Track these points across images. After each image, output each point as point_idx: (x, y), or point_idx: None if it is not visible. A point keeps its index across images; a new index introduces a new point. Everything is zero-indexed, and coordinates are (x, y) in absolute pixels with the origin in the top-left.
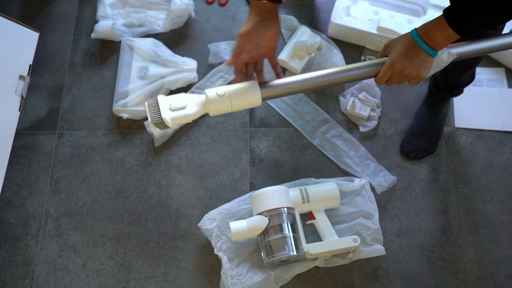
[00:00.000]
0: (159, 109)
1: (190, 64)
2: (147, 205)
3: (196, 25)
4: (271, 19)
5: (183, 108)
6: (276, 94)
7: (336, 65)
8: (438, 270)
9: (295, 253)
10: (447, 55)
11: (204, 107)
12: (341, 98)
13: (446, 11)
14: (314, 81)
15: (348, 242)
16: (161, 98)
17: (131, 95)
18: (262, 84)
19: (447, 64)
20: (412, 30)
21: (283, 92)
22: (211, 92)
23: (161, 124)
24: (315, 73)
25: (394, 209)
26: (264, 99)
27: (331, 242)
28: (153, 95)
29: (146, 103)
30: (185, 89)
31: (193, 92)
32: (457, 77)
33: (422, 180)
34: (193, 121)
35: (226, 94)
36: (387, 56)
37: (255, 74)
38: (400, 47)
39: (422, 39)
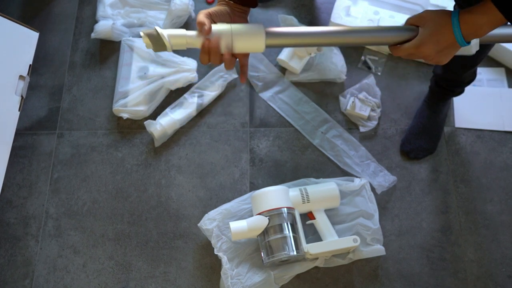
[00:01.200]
0: (157, 31)
1: (190, 64)
2: (147, 205)
3: (196, 25)
4: (235, 11)
5: (181, 32)
6: (282, 43)
7: (336, 65)
8: (438, 270)
9: (295, 253)
10: (474, 45)
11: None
12: (341, 98)
13: None
14: (328, 36)
15: (348, 242)
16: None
17: (131, 95)
18: (270, 29)
19: (471, 53)
20: (453, 16)
21: (289, 42)
22: (215, 26)
23: (156, 38)
24: (332, 28)
25: (394, 209)
26: (268, 46)
27: (331, 242)
28: (153, 95)
29: (141, 32)
30: (185, 89)
31: (193, 93)
32: (458, 75)
33: (422, 180)
34: (193, 121)
35: (228, 30)
36: (415, 26)
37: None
38: (433, 28)
39: (460, 29)
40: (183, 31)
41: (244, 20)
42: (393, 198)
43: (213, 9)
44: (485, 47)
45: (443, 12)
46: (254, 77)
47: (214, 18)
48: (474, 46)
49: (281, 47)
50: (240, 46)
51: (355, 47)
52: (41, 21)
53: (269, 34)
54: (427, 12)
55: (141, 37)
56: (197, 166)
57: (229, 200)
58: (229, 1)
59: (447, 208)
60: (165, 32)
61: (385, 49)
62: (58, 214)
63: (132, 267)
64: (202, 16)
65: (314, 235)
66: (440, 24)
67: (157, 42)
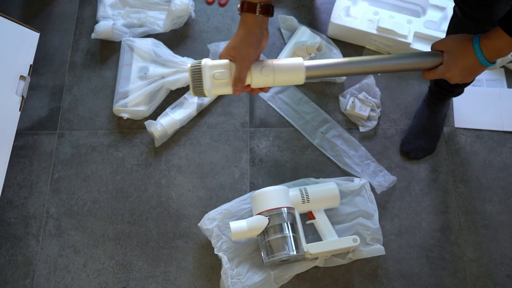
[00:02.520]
0: (201, 77)
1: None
2: (148, 205)
3: (196, 25)
4: (263, 35)
5: (226, 80)
6: (321, 74)
7: None
8: (437, 269)
9: (295, 253)
10: (500, 61)
11: (247, 80)
12: (341, 98)
13: (502, 21)
14: (362, 65)
15: (348, 242)
16: (206, 64)
17: (131, 95)
18: (308, 62)
19: (496, 67)
20: (475, 40)
21: (327, 73)
22: (256, 67)
23: (201, 93)
24: (364, 57)
25: (394, 209)
26: (308, 78)
27: (331, 242)
28: (153, 95)
29: (189, 66)
30: (185, 89)
31: None
32: None
33: (421, 180)
34: (193, 121)
35: (271, 72)
36: (440, 51)
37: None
38: (458, 54)
39: (483, 53)
40: (226, 84)
41: (267, 34)
42: (393, 198)
43: (243, 57)
44: None
45: (465, 38)
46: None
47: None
48: (499, 62)
49: (318, 78)
50: (281, 82)
51: (355, 48)
52: (41, 21)
53: (308, 68)
54: (449, 38)
55: (142, 37)
56: (197, 166)
57: (229, 200)
58: (259, 15)
59: (446, 208)
60: (209, 87)
61: (385, 49)
62: (58, 214)
63: (133, 267)
64: (238, 78)
65: (314, 235)
66: (463, 51)
67: (201, 95)
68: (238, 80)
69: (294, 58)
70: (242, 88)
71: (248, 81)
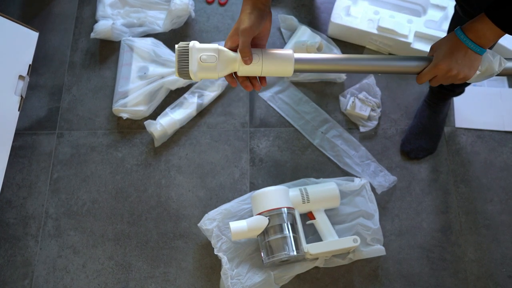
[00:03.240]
0: (188, 58)
1: None
2: (147, 205)
3: (196, 25)
4: (266, 12)
5: (213, 64)
6: (309, 68)
7: None
8: (438, 270)
9: (295, 253)
10: (498, 63)
11: (234, 66)
12: (341, 98)
13: (488, 9)
14: (352, 63)
15: (348, 242)
16: (194, 46)
17: (131, 95)
18: (298, 55)
19: (497, 73)
20: (456, 29)
21: (317, 67)
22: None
23: (186, 75)
24: (355, 56)
25: (394, 209)
26: (296, 71)
27: (331, 242)
28: (153, 95)
29: (176, 46)
30: (185, 89)
31: (193, 93)
32: None
33: (422, 180)
34: (193, 121)
35: (259, 59)
36: (430, 56)
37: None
38: (445, 47)
39: (468, 37)
40: (213, 69)
41: (271, 12)
42: (393, 198)
43: (251, 28)
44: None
45: (450, 34)
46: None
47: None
48: (498, 66)
49: (307, 72)
50: (269, 72)
51: (355, 48)
52: (41, 21)
53: (297, 60)
54: (435, 43)
55: (142, 37)
56: (197, 166)
57: (229, 200)
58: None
59: (447, 208)
60: (195, 70)
61: (386, 49)
62: (57, 214)
63: (132, 267)
64: (245, 48)
65: (314, 235)
66: (449, 40)
67: (186, 78)
68: (243, 50)
69: (285, 49)
70: (250, 57)
71: (235, 68)
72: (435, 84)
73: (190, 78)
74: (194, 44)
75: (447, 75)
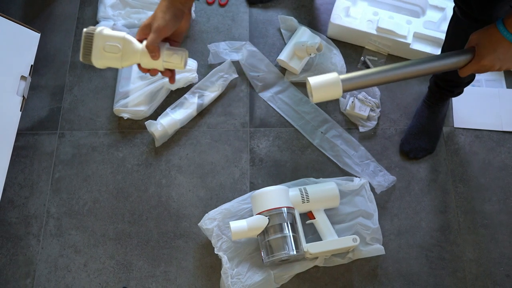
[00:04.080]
0: (91, 45)
1: (190, 64)
2: (148, 204)
3: (196, 26)
4: (184, 12)
5: (116, 54)
6: (357, 86)
7: (335, 65)
8: (437, 269)
9: (295, 252)
10: None
11: (137, 58)
12: (340, 98)
13: None
14: (397, 72)
15: (348, 241)
16: (99, 32)
17: (132, 95)
18: (343, 76)
19: None
20: (498, 23)
21: (363, 84)
22: (162, 49)
23: (88, 61)
24: (397, 64)
25: (394, 208)
26: (345, 91)
27: (331, 241)
28: (153, 95)
29: (84, 31)
30: (186, 89)
31: (193, 93)
32: (458, 76)
33: (421, 179)
34: (194, 121)
35: (161, 53)
36: (471, 48)
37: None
38: (487, 42)
39: (509, 32)
40: (115, 59)
41: (189, 14)
42: (393, 198)
43: (164, 27)
44: None
45: (489, 27)
46: (254, 77)
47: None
48: None
49: (356, 89)
50: (320, 98)
51: (355, 49)
52: (42, 22)
53: (344, 81)
54: (473, 34)
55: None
56: (198, 166)
57: (229, 200)
58: None
59: (446, 208)
60: (97, 57)
61: (385, 50)
62: (59, 214)
63: (133, 267)
64: (153, 45)
65: (314, 234)
66: (490, 35)
67: (88, 62)
68: (150, 47)
69: (330, 74)
70: (157, 54)
71: (138, 60)
72: (476, 73)
73: (92, 64)
74: (101, 30)
75: (490, 70)
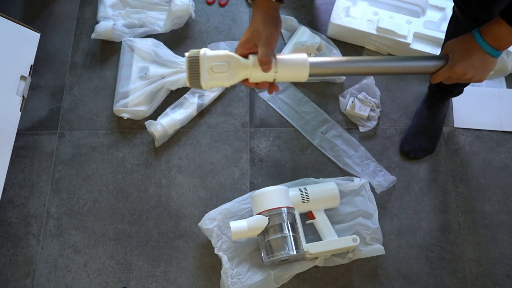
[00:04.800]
0: (198, 67)
1: None
2: (148, 204)
3: (196, 26)
4: (279, 19)
5: (224, 74)
6: (324, 72)
7: None
8: (437, 269)
9: (294, 252)
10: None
11: (245, 73)
12: (340, 98)
13: (502, 12)
14: (366, 65)
15: (348, 241)
16: (204, 54)
17: (132, 96)
18: (312, 58)
19: (510, 72)
20: (474, 32)
21: (331, 71)
22: (256, 60)
23: (197, 85)
24: (369, 57)
25: (394, 208)
26: (311, 75)
27: (331, 241)
28: (153, 95)
29: (186, 55)
30: (186, 89)
31: (193, 93)
32: None
33: (421, 179)
34: (194, 121)
35: (274, 65)
36: (445, 55)
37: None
38: (462, 49)
39: (485, 41)
40: (223, 78)
41: (280, 19)
42: (393, 198)
43: (273, 39)
44: None
45: (465, 36)
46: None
47: (273, 44)
48: (509, 63)
49: (321, 76)
50: (284, 77)
51: (355, 48)
52: (42, 22)
53: (312, 64)
54: (449, 42)
55: (142, 37)
56: (197, 166)
57: (229, 200)
58: (273, 0)
59: (446, 208)
60: (205, 79)
61: (385, 50)
62: (59, 214)
63: (133, 267)
64: (267, 58)
65: (314, 234)
66: (465, 43)
67: (197, 87)
68: (264, 61)
69: (298, 54)
70: (270, 66)
71: (246, 75)
72: (448, 83)
73: (201, 88)
74: (205, 52)
75: (462, 78)
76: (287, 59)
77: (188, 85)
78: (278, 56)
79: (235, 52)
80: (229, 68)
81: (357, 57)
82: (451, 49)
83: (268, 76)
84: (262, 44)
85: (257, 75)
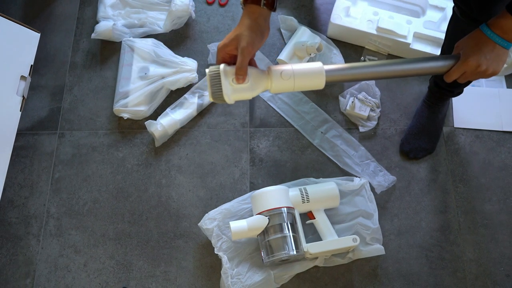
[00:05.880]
0: (220, 82)
1: (191, 64)
2: (148, 204)
3: (196, 26)
4: (266, 28)
5: (246, 85)
6: (340, 79)
7: None
8: (437, 269)
9: (294, 252)
10: None
11: (266, 84)
12: (340, 98)
13: (509, 5)
14: (381, 70)
15: (348, 241)
16: (224, 70)
17: (132, 95)
18: (327, 66)
19: None
20: (482, 26)
21: (347, 77)
22: (276, 72)
23: (220, 99)
24: (382, 61)
25: (394, 208)
26: (328, 83)
27: (331, 241)
28: (153, 95)
29: (207, 71)
30: (186, 89)
31: (193, 93)
32: None
33: (421, 179)
34: (194, 121)
35: (291, 76)
36: (457, 54)
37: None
38: (472, 43)
39: (494, 33)
40: (246, 90)
41: (269, 29)
42: (393, 198)
43: (252, 47)
44: None
45: (474, 32)
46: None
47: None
48: None
49: (338, 82)
50: (301, 87)
51: (355, 48)
52: (42, 22)
53: (327, 72)
54: (458, 42)
55: (142, 37)
56: (197, 166)
57: (229, 200)
58: (264, 7)
59: (446, 208)
60: (229, 93)
61: (385, 50)
62: (59, 214)
63: (133, 267)
64: (243, 68)
65: (314, 234)
66: (475, 38)
67: (221, 101)
68: (240, 69)
69: (313, 63)
70: (245, 76)
71: (267, 86)
72: (464, 80)
73: (224, 102)
74: (224, 67)
75: (476, 71)
76: (303, 69)
77: (211, 100)
78: (294, 66)
79: (217, 55)
80: (250, 78)
81: (371, 62)
82: (462, 47)
83: (288, 87)
84: (241, 52)
85: (277, 85)
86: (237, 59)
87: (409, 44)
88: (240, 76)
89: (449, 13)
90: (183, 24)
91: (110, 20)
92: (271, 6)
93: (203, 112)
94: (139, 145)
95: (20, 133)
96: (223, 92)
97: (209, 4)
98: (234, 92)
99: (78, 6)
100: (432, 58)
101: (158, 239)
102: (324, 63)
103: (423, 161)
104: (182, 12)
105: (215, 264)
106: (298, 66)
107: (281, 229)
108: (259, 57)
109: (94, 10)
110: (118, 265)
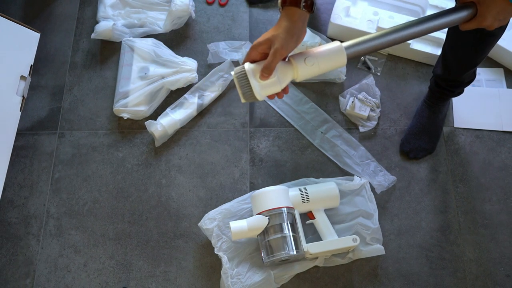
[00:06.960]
0: (248, 81)
1: (190, 64)
2: (148, 204)
3: (196, 26)
4: (304, 31)
5: (273, 79)
6: (361, 52)
7: None
8: (437, 269)
9: (294, 252)
10: None
11: (292, 73)
12: (340, 98)
13: None
14: (397, 36)
15: (348, 241)
16: (250, 68)
17: (132, 95)
18: (346, 43)
19: None
20: None
21: (367, 50)
22: (300, 60)
23: (252, 98)
24: (396, 27)
25: (394, 208)
26: (350, 58)
27: (331, 241)
28: (153, 95)
29: (233, 73)
30: (186, 89)
31: (193, 93)
32: (458, 75)
33: (421, 179)
34: (194, 121)
35: (314, 61)
36: (471, 2)
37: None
38: (491, 5)
39: None
40: (274, 83)
41: (306, 29)
42: (393, 198)
43: (286, 50)
44: (485, 48)
45: None
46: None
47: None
48: None
49: (360, 55)
50: (326, 68)
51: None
52: (42, 22)
53: (347, 48)
54: None
55: (142, 37)
56: (197, 166)
57: (229, 200)
58: (303, 10)
59: (446, 208)
60: (258, 89)
61: (385, 50)
62: (59, 214)
63: (133, 267)
64: (270, 69)
65: (314, 234)
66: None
67: (253, 99)
68: (268, 69)
69: (331, 43)
70: (269, 76)
71: (293, 76)
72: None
73: (256, 100)
74: (249, 65)
75: (489, 27)
76: (324, 50)
77: (243, 101)
78: (315, 50)
79: (249, 53)
80: (276, 72)
81: (386, 30)
82: (481, 3)
83: (313, 72)
84: (273, 53)
85: (303, 72)
86: (268, 58)
87: (409, 44)
88: (266, 75)
89: None
90: (183, 24)
91: (110, 20)
92: (310, 8)
93: (203, 112)
94: (139, 145)
95: (20, 133)
96: (253, 91)
97: (209, 4)
98: (263, 88)
99: (78, 6)
100: (448, 11)
101: (158, 239)
102: None
103: (423, 161)
104: (182, 12)
105: (215, 264)
106: (318, 49)
107: (281, 229)
108: None
109: (94, 10)
110: (118, 265)
